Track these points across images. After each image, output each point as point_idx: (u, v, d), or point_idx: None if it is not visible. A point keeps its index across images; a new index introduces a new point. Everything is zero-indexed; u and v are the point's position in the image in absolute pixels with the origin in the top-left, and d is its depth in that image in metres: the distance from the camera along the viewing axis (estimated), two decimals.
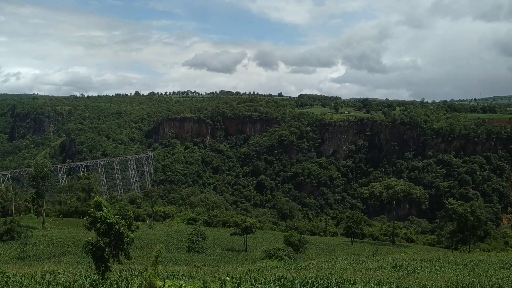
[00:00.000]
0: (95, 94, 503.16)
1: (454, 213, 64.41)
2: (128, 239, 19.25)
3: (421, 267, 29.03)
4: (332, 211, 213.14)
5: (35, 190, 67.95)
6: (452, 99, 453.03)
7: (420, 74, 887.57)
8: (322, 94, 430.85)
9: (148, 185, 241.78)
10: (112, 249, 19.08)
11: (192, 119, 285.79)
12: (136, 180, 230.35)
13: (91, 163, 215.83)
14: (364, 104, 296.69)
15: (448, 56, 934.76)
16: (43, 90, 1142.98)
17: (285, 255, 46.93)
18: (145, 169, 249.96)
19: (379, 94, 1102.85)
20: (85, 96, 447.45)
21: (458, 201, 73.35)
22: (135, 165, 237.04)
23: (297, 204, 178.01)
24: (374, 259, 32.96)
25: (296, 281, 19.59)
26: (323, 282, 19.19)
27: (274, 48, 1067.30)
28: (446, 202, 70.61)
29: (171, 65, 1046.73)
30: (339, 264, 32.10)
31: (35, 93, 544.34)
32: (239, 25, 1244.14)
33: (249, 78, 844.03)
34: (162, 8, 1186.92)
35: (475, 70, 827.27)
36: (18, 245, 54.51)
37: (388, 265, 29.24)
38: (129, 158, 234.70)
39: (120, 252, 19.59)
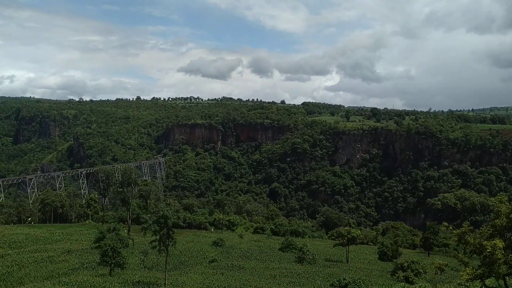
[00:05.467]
0: (89, 98, 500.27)
1: None
2: None
3: None
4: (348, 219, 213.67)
5: (121, 197, 66.38)
6: (450, 109, 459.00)
7: (413, 84, 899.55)
8: (325, 102, 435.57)
9: (161, 191, 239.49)
10: None
11: (203, 125, 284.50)
12: None
13: (108, 168, 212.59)
14: (374, 113, 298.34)
15: (441, 66, 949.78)
16: (37, 93, 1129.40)
17: (420, 268, 46.64)
18: (157, 175, 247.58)
19: (373, 103, 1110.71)
20: (83, 100, 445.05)
21: None
22: (148, 171, 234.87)
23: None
24: None
25: None
26: None
27: (269, 55, 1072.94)
28: None
29: (166, 71, 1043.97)
30: None
31: (31, 96, 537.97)
32: (234, 32, 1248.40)
33: (244, 85, 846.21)
34: (159, 14, 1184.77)
35: (467, 81, 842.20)
36: (129, 254, 53.02)
37: None
38: (143, 164, 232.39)
39: None
